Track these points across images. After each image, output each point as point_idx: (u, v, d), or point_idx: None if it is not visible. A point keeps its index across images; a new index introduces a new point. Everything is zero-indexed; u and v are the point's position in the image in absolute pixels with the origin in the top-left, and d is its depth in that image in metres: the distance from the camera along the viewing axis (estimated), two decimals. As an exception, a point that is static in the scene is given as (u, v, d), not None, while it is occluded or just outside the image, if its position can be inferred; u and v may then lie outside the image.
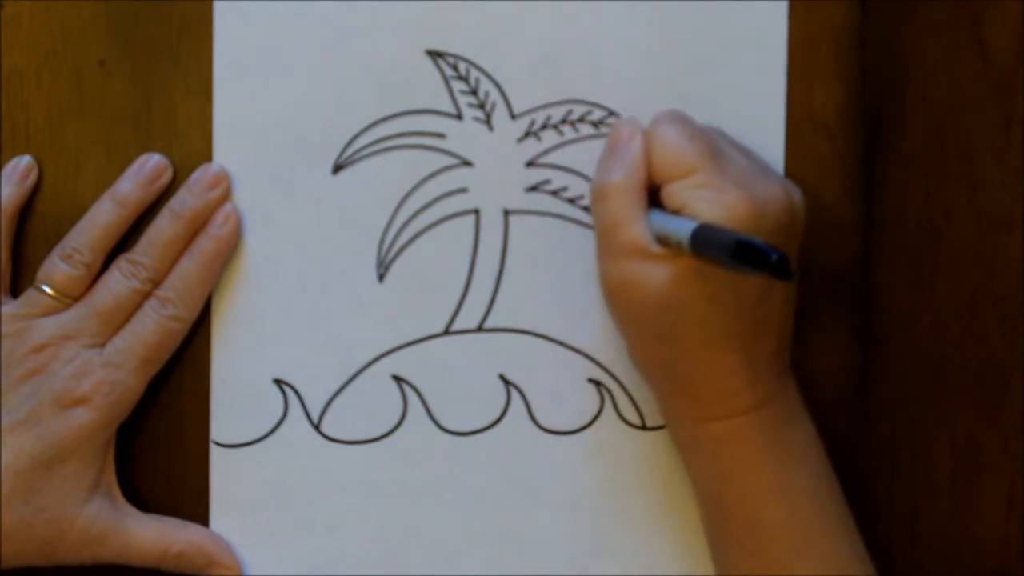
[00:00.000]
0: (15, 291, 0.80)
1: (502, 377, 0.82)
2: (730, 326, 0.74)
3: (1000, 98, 0.81)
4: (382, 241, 0.81)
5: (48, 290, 0.78)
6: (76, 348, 0.78)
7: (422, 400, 0.82)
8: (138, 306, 0.79)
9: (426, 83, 0.81)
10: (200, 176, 0.80)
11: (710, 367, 0.75)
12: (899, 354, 0.82)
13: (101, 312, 0.78)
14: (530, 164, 0.81)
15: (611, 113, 0.81)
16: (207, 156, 0.81)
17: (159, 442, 0.82)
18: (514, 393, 0.82)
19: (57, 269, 0.79)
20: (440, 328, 0.82)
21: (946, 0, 0.81)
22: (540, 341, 0.82)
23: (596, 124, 0.81)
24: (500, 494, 0.82)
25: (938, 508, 0.82)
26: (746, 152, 0.78)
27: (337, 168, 0.81)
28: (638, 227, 0.74)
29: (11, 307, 0.79)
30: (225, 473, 0.82)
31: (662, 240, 0.73)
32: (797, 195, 0.76)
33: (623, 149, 0.76)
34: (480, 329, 0.81)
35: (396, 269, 0.81)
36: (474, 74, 0.81)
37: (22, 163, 0.80)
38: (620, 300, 0.76)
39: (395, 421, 0.82)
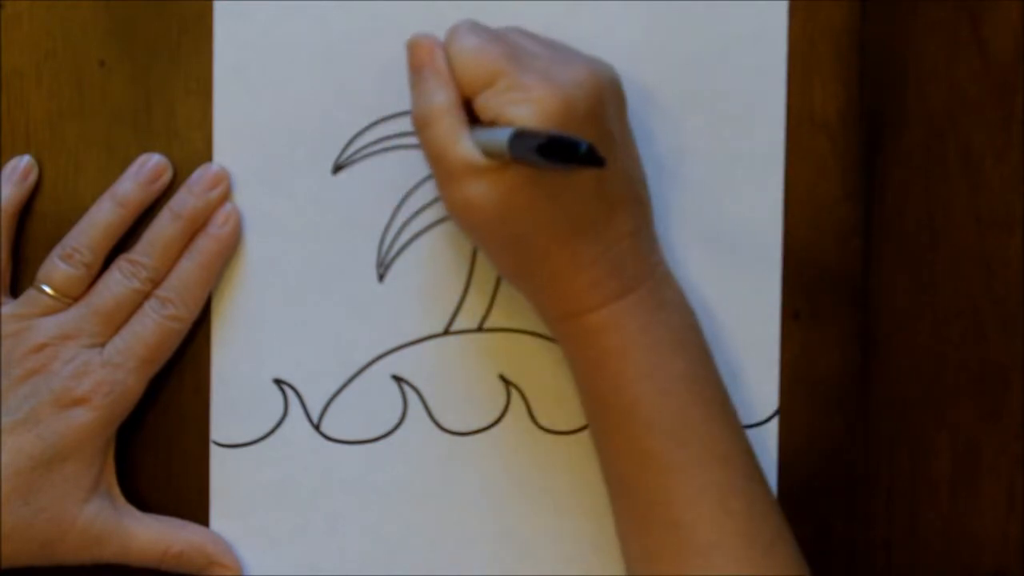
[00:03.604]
0: (15, 291, 0.80)
1: (502, 377, 0.82)
2: (576, 219, 0.74)
3: (1000, 98, 0.81)
4: (382, 241, 0.81)
5: (48, 290, 0.78)
6: (76, 348, 0.78)
7: (422, 400, 0.82)
8: (138, 306, 0.79)
9: (426, 83, 0.81)
10: (200, 176, 0.80)
11: (569, 263, 0.74)
12: (899, 354, 0.82)
13: (101, 312, 0.78)
14: (530, 164, 0.81)
15: (611, 113, 0.81)
16: (207, 156, 0.81)
17: (159, 442, 0.82)
18: (514, 393, 0.82)
19: (57, 269, 0.79)
20: (440, 328, 0.82)
21: (946, 0, 0.81)
22: (540, 341, 0.82)
23: (596, 124, 0.81)
24: (500, 494, 0.82)
25: (938, 508, 0.82)
26: (546, 43, 0.77)
27: (337, 168, 0.81)
28: (463, 145, 0.73)
29: (11, 307, 0.79)
30: (225, 473, 0.82)
31: (488, 153, 0.73)
32: (607, 71, 0.75)
33: (429, 70, 0.75)
34: (480, 329, 0.81)
35: (396, 269, 0.81)
36: (474, 74, 0.80)
37: (22, 163, 0.80)
38: (465, 220, 0.75)
39: (395, 421, 0.82)
